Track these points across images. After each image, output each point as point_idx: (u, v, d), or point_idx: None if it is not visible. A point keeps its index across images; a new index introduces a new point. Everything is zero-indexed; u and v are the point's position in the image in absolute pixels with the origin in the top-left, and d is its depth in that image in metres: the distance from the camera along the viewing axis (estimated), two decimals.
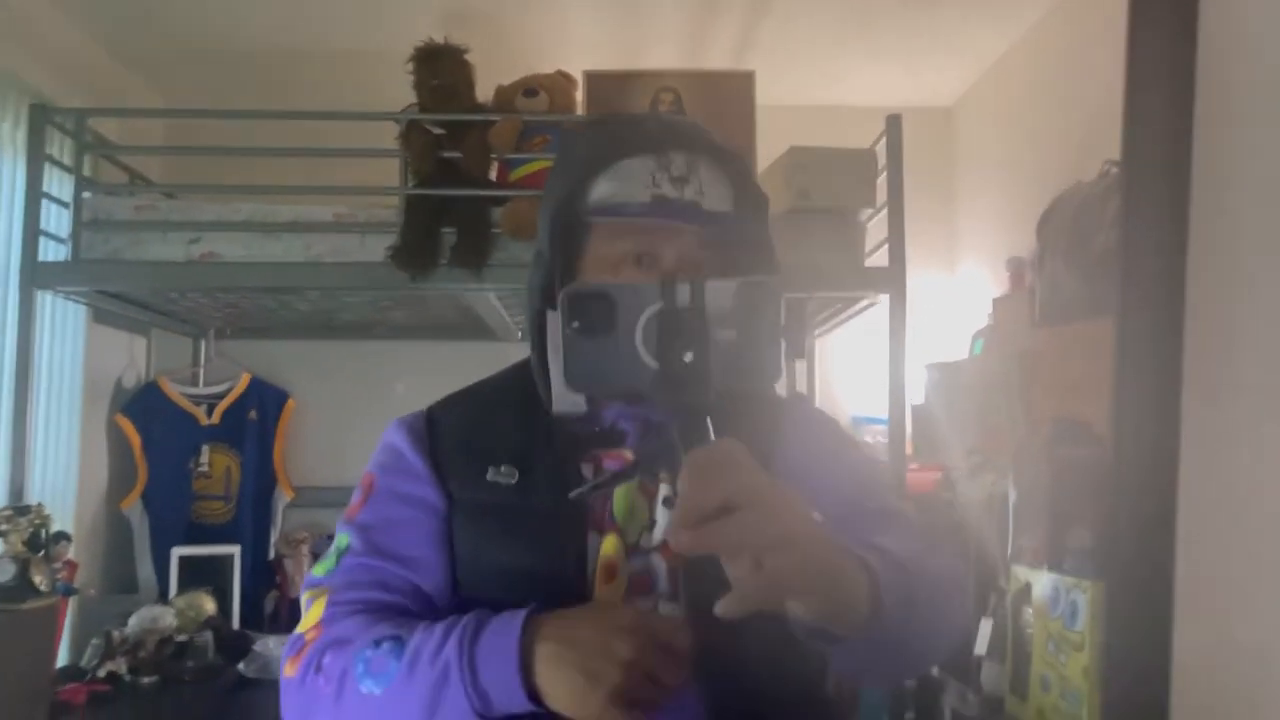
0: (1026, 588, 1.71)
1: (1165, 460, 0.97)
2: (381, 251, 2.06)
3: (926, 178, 2.62)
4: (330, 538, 1.05)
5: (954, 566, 0.95)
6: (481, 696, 0.82)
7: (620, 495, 0.94)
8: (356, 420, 2.91)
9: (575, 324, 0.75)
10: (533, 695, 0.81)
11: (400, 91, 2.11)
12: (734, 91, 2.18)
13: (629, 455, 0.96)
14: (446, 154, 2.08)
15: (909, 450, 2.44)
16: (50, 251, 2.13)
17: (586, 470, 0.95)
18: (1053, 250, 1.88)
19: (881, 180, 2.16)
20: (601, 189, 0.95)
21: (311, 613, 0.95)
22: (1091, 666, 1.52)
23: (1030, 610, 1.70)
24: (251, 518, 2.73)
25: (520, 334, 2.85)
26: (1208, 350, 0.92)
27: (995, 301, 2.32)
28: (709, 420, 0.71)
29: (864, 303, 2.29)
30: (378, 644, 0.87)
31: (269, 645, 2.21)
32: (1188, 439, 0.95)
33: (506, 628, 0.83)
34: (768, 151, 2.24)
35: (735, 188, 0.98)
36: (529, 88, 2.13)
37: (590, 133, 1.03)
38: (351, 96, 2.28)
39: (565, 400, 0.92)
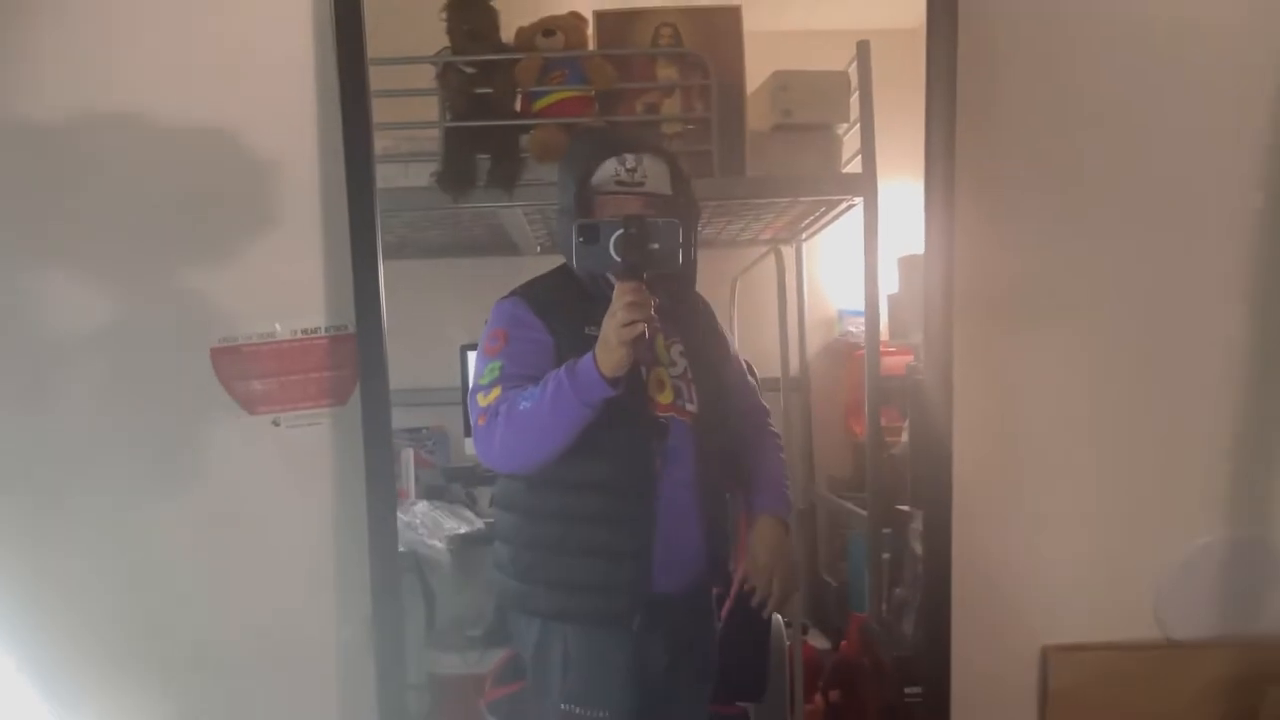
0: None
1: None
2: (425, 177, 2.40)
3: (898, 94, 2.93)
4: None
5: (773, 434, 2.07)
6: (579, 388, 1.61)
7: (660, 346, 1.83)
8: (398, 330, 3.25)
9: (580, 239, 1.62)
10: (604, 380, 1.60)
11: (434, 36, 2.42)
12: (724, 24, 2.49)
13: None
14: (479, 90, 2.40)
15: (887, 336, 2.81)
16: None
17: None
18: None
19: (855, 98, 2.49)
20: (593, 177, 1.80)
21: (490, 396, 1.73)
22: None
23: None
24: None
25: (539, 248, 3.19)
26: None
27: None
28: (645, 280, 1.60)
29: (844, 205, 2.64)
30: (524, 390, 1.70)
31: None
32: None
33: (587, 354, 1.63)
34: (756, 75, 2.56)
35: (669, 166, 1.83)
36: (547, 28, 2.44)
37: (586, 140, 1.99)
38: (390, 43, 2.58)
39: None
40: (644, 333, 1.54)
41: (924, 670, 1.85)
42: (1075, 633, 1.89)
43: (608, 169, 1.77)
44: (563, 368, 1.65)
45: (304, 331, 1.94)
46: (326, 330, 1.95)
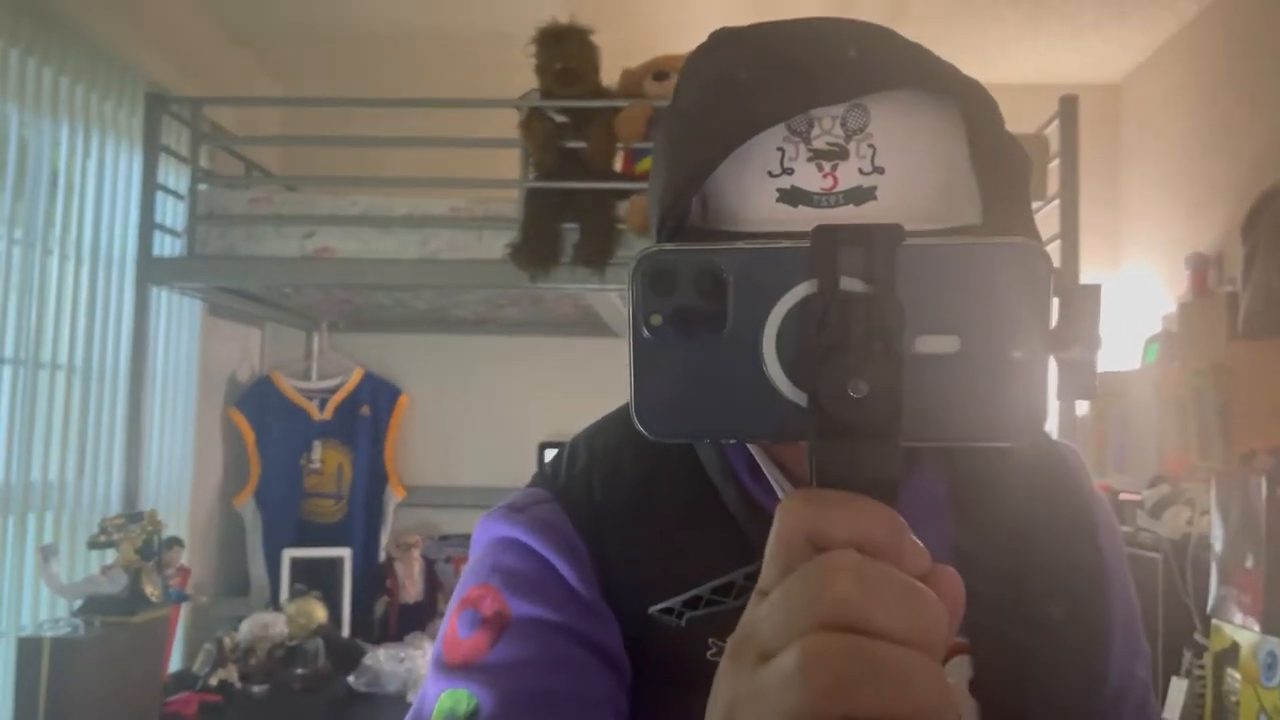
0: (1233, 648, 1.48)
1: None
2: (500, 248, 1.93)
3: (1088, 162, 2.34)
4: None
5: None
6: None
7: None
8: (470, 418, 2.82)
9: (656, 320, 0.39)
10: None
11: (522, 76, 1.97)
12: None
13: None
14: (570, 143, 1.93)
15: None
16: (165, 244, 2.08)
17: None
18: (1265, 251, 1.62)
19: (1052, 167, 1.92)
20: (708, 192, 0.58)
21: None
22: None
23: (1236, 675, 1.47)
24: (363, 517, 2.65)
25: None
26: None
27: (1181, 307, 2.05)
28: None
29: None
30: None
31: (379, 657, 2.13)
32: None
33: None
34: None
35: (959, 141, 0.57)
36: (659, 71, 1.97)
37: (701, 79, 0.61)
38: (471, 82, 2.15)
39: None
40: None
41: None
42: None
43: (758, 156, 0.56)
44: None
45: None
46: None
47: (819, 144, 0.56)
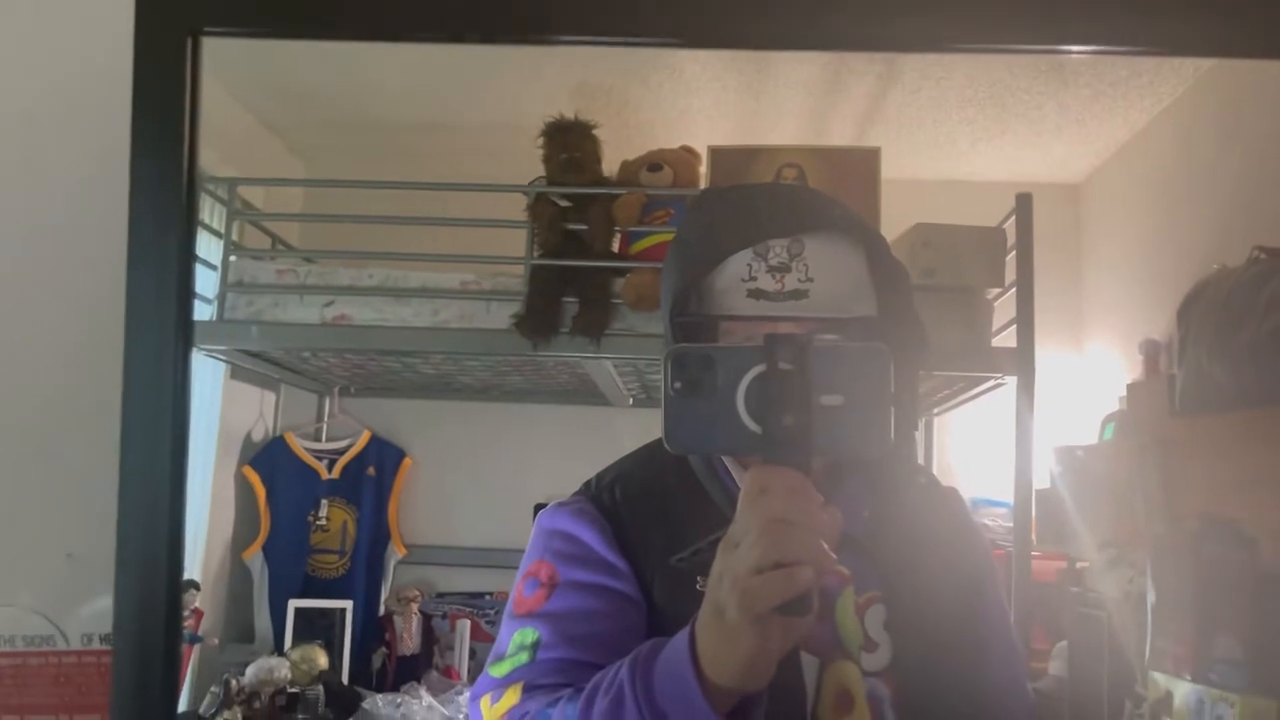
0: (1167, 696, 1.61)
1: None
2: (505, 319, 2.10)
3: (1052, 254, 2.55)
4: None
5: None
6: (657, 709, 0.72)
7: (844, 612, 0.92)
8: (470, 480, 2.97)
9: (677, 385, 0.73)
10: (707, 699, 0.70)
11: (529, 163, 2.17)
12: (858, 167, 2.17)
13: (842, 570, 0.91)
14: (571, 225, 2.13)
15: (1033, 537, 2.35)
16: (196, 310, 2.25)
17: None
18: (1196, 338, 1.80)
19: (1010, 258, 2.11)
20: (702, 289, 0.91)
21: (497, 708, 0.86)
22: None
23: None
24: (364, 573, 2.78)
25: (631, 400, 2.87)
26: None
27: (1130, 387, 2.23)
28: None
29: (990, 383, 2.23)
30: (557, 701, 0.81)
31: (377, 704, 2.24)
32: None
33: (677, 636, 0.73)
34: (892, 227, 2.21)
35: (868, 258, 0.90)
36: (653, 163, 2.17)
37: (702, 212, 0.98)
38: (482, 168, 2.35)
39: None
40: (807, 598, 0.66)
41: None
42: None
43: (734, 268, 0.91)
44: (625, 663, 0.77)
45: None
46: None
47: (773, 262, 0.89)
